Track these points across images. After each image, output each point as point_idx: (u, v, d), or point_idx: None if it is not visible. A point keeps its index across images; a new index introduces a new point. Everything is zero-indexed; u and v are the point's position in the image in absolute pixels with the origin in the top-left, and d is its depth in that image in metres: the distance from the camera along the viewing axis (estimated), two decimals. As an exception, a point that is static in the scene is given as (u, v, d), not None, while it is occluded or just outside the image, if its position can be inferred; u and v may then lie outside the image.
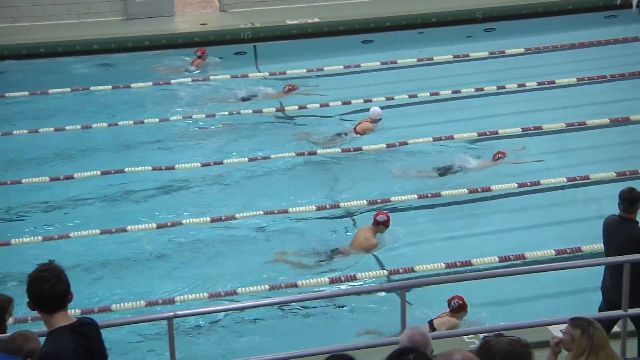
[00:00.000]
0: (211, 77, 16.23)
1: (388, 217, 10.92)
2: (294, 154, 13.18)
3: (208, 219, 11.49)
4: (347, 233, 11.30)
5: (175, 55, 17.14)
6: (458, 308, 9.08)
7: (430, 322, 9.11)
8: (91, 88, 15.72)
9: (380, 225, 10.86)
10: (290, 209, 11.69)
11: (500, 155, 12.75)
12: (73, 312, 6.21)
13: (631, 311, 7.19)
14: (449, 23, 18.38)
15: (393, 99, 15.12)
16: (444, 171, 12.59)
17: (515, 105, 14.83)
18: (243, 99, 15.32)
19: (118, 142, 13.86)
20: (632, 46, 17.11)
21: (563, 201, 11.90)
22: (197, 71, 16.53)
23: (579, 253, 10.38)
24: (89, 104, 15.29)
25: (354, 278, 10.22)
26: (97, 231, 11.23)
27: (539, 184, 12.08)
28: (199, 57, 16.81)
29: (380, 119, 13.90)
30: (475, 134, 13.61)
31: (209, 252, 11.04)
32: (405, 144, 13.41)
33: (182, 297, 10.02)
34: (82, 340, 4.94)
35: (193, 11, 19.38)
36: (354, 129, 13.90)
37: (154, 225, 11.35)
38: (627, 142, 13.34)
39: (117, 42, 17.53)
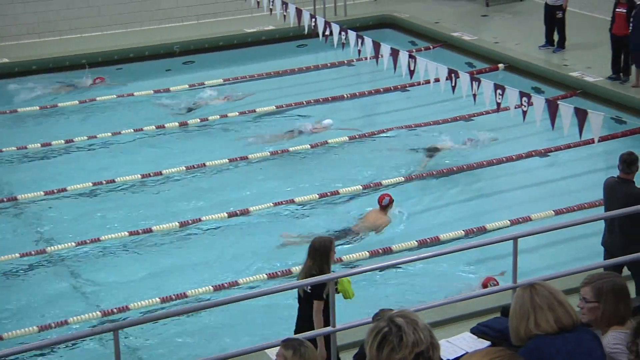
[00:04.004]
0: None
1: (390, 197, 11.80)
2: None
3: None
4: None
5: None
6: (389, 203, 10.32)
7: None
8: None
9: (387, 206, 11.74)
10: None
11: (473, 141, 14.15)
12: None
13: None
14: (147, 58, 18.36)
15: (96, 137, 14.81)
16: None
17: (220, 137, 15.06)
18: (189, 110, 15.98)
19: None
20: (324, 73, 18.04)
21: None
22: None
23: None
24: None
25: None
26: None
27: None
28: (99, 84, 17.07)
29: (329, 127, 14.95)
30: (184, 168, 13.63)
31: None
32: (112, 182, 13.17)
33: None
34: None
35: None
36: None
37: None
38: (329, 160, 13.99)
39: None
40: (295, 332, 7.71)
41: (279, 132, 14.93)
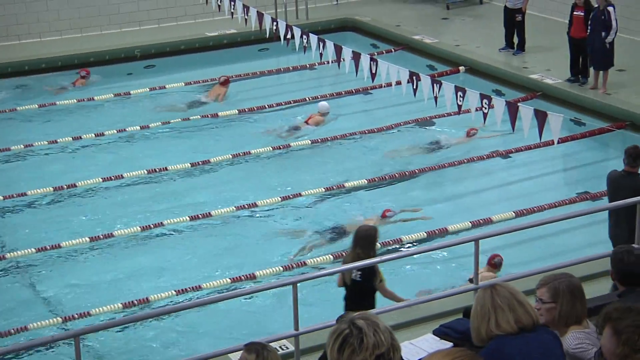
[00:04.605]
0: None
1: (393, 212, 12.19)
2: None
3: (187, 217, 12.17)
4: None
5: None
6: (498, 264, 10.06)
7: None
8: None
9: (385, 219, 12.05)
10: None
11: (474, 131, 14.38)
12: None
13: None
14: (107, 62, 18.24)
15: (56, 142, 14.67)
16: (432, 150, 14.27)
17: (183, 139, 15.00)
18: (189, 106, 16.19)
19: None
20: (285, 76, 18.04)
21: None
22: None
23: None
24: None
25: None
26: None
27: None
28: (83, 77, 17.17)
29: (328, 112, 15.32)
30: (145, 172, 13.54)
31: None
32: (74, 186, 13.05)
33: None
34: None
35: None
36: (306, 122, 15.17)
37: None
38: (288, 167, 14.00)
39: None
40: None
41: (280, 130, 15.09)
